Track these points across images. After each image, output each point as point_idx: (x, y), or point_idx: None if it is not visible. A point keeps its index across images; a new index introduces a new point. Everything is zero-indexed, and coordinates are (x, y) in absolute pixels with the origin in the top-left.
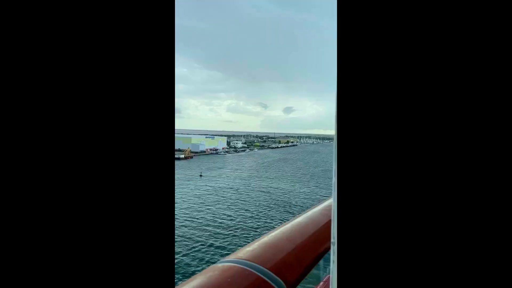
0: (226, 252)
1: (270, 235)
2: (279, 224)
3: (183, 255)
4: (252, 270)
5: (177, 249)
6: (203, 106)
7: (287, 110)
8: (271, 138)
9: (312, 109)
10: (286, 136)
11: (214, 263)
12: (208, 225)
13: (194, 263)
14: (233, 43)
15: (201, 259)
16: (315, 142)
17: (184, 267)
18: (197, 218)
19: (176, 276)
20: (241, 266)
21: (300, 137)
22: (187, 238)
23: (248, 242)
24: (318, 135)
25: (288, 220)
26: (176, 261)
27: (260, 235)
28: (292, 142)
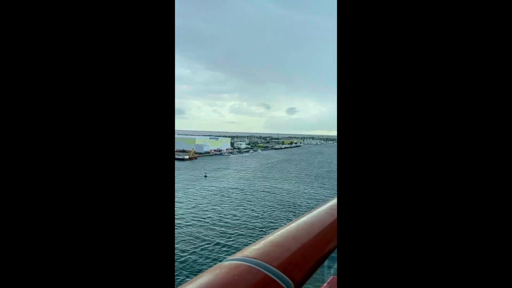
0: (232, 250)
1: (276, 233)
2: (283, 224)
3: (191, 253)
4: (260, 269)
5: (184, 247)
6: (206, 107)
7: (290, 111)
8: (275, 139)
9: (315, 109)
10: (290, 137)
11: (220, 261)
12: (214, 224)
13: (201, 260)
14: (235, 44)
15: (207, 257)
16: (318, 143)
17: (192, 264)
18: (203, 218)
19: (184, 273)
20: (248, 264)
21: (303, 138)
22: (195, 238)
23: (254, 241)
24: (322, 136)
25: (294, 219)
26: (183, 259)
27: (265, 234)
28: (296, 143)
